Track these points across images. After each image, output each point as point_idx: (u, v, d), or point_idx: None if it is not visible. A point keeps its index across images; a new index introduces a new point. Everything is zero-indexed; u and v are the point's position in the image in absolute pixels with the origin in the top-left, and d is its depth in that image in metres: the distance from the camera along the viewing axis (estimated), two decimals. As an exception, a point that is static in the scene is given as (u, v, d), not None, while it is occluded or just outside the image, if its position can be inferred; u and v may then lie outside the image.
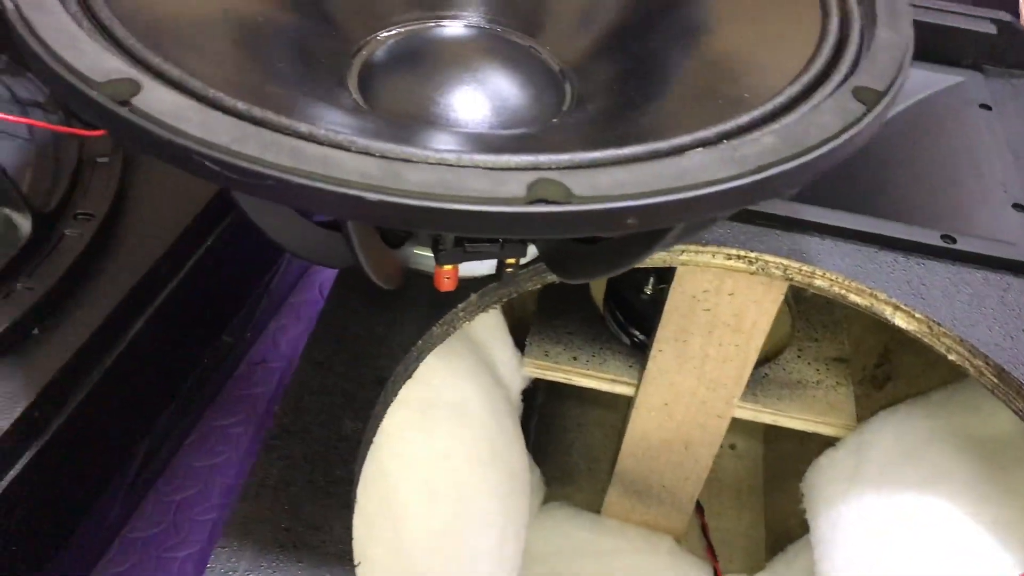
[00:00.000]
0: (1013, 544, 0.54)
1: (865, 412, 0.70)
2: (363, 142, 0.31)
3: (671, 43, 0.46)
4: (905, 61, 0.39)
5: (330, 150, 0.30)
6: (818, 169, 0.34)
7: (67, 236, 0.48)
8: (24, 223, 0.46)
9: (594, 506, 0.79)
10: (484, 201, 0.29)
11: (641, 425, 0.70)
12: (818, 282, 0.55)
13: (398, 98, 0.46)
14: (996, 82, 0.72)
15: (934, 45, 0.71)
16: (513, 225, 0.30)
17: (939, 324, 0.52)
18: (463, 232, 0.31)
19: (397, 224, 0.34)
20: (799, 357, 0.72)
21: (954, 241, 0.56)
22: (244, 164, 0.29)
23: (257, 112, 0.32)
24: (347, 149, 0.31)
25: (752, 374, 0.66)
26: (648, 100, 0.43)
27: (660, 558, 0.76)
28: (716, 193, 0.31)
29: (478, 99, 0.46)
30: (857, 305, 0.55)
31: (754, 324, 0.61)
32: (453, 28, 0.51)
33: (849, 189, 0.62)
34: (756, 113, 0.35)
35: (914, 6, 0.72)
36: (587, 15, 0.51)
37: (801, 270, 0.55)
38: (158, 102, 0.31)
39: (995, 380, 0.51)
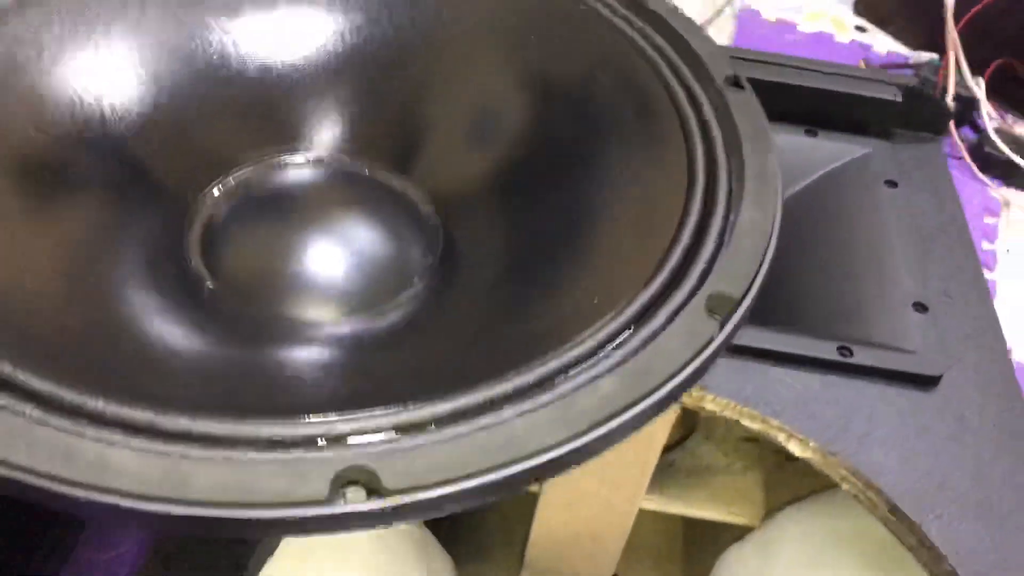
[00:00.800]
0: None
1: (777, 486, 0.68)
2: (147, 420, 0.28)
3: (548, 215, 0.42)
4: (768, 251, 0.36)
5: (105, 448, 0.27)
6: (661, 409, 0.31)
7: None
8: None
9: (508, 586, 0.77)
10: (281, 505, 0.26)
11: (547, 521, 0.68)
12: (709, 406, 0.53)
13: (241, 266, 0.42)
14: (904, 149, 0.70)
15: (839, 114, 0.69)
16: (316, 525, 0.27)
17: (832, 454, 0.51)
18: (261, 536, 0.28)
19: (187, 532, 0.31)
20: (707, 439, 0.70)
21: (851, 353, 0.54)
22: (8, 474, 0.26)
23: (45, 387, 0.29)
24: (133, 429, 0.28)
25: (659, 461, 0.64)
26: (507, 284, 0.40)
27: (576, 639, 0.74)
28: (544, 463, 0.29)
29: (328, 265, 0.43)
30: (751, 429, 0.53)
31: (650, 435, 0.59)
32: (306, 168, 0.47)
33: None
34: (600, 336, 0.32)
35: (819, 72, 0.70)
36: (468, 153, 0.48)
37: (691, 394, 0.53)
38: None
39: (888, 515, 0.49)
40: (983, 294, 0.59)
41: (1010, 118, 1.41)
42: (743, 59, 0.67)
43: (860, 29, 1.62)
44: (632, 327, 0.33)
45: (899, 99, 0.68)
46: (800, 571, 0.59)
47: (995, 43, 1.28)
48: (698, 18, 1.47)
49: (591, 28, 0.44)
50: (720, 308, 0.33)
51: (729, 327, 0.33)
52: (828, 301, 0.59)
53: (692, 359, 0.32)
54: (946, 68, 1.38)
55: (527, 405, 0.30)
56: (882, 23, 1.62)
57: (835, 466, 0.51)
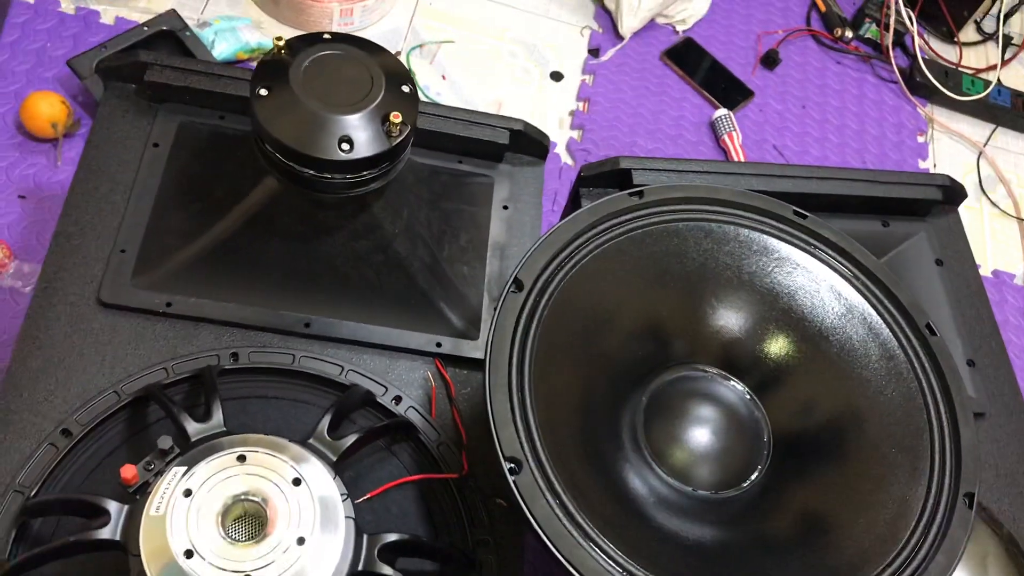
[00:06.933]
0: None
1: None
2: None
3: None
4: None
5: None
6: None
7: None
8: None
9: None
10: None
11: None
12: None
13: (661, 441, 0.77)
14: (940, 227, 1.05)
15: (900, 207, 1.04)
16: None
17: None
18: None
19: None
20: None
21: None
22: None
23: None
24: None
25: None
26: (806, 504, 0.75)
27: None
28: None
29: (708, 450, 0.78)
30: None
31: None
32: (708, 381, 0.81)
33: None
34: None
35: (889, 183, 1.04)
36: (797, 415, 0.80)
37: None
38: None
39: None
40: (1002, 348, 0.99)
41: (936, 43, 1.79)
42: (850, 180, 1.00)
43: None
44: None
45: (940, 197, 1.03)
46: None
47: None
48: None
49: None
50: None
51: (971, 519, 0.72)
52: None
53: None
54: (887, 7, 1.74)
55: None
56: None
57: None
